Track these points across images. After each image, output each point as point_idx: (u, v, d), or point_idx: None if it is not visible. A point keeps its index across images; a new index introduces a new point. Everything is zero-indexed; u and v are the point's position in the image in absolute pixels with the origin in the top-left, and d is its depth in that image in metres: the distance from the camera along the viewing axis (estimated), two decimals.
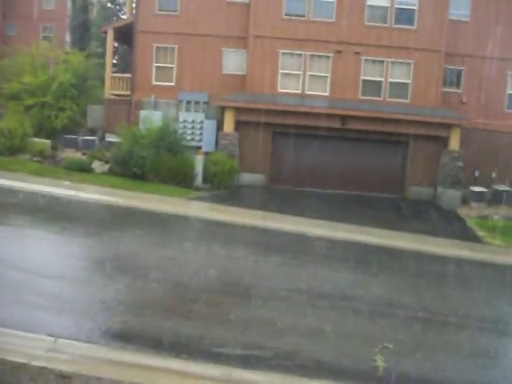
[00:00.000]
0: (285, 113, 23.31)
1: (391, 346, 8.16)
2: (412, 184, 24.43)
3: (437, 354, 8.59)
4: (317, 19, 24.47)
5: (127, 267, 11.47)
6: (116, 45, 34.47)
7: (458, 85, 25.53)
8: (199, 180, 22.32)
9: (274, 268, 12.90)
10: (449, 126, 23.96)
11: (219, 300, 10.14)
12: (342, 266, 13.71)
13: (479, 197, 24.12)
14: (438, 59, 24.44)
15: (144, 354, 7.42)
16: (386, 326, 9.51)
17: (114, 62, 34.71)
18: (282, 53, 24.65)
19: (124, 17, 34.53)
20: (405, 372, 7.72)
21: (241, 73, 25.14)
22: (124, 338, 7.95)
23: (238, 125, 24.01)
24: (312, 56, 24.68)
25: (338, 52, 24.35)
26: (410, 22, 24.49)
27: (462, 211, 22.68)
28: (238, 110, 23.94)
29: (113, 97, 27.13)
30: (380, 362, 7.55)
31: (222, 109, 24.29)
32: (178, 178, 21.91)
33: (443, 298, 12.09)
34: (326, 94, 24.68)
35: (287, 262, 13.63)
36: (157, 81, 25.82)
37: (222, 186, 22.40)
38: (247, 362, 7.52)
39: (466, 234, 19.73)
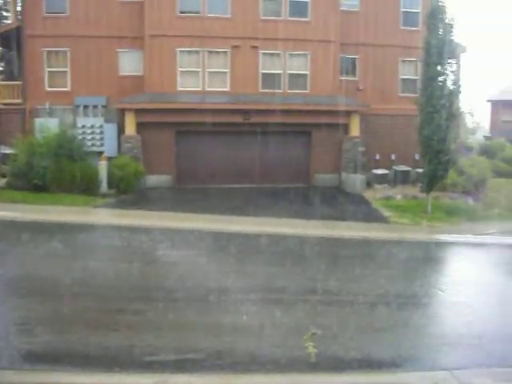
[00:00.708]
0: (186, 111, 23.07)
1: (320, 332, 8.27)
2: (318, 172, 24.99)
3: (362, 334, 8.76)
4: (212, 15, 24.39)
5: (37, 284, 10.87)
6: (1, 50, 32.66)
7: (353, 73, 26.37)
8: (104, 186, 21.65)
9: (193, 267, 12.68)
10: (348, 113, 24.67)
11: (141, 307, 9.79)
12: (258, 259, 13.73)
13: (382, 179, 25.09)
14: (334, 49, 25.10)
15: (73, 372, 7.02)
16: (310, 313, 9.58)
17: (0, 69, 32.84)
18: (180, 51, 24.37)
19: (8, 21, 32.71)
20: (335, 355, 7.83)
21: (139, 74, 24.62)
22: (49, 359, 7.49)
23: (140, 127, 23.51)
24: (210, 52, 24.58)
25: (236, 47, 24.41)
26: (304, 15, 24.96)
27: (367, 194, 23.44)
28: (138, 112, 23.42)
29: (2, 106, 25.70)
30: (311, 349, 7.62)
31: (122, 111, 23.68)
32: (83, 186, 21.14)
33: (361, 279, 12.35)
34: (227, 89, 24.69)
35: (204, 260, 13.44)
36: (50, 87, 24.76)
37: (128, 190, 21.86)
38: (182, 366, 7.31)
39: (373, 216, 20.40)
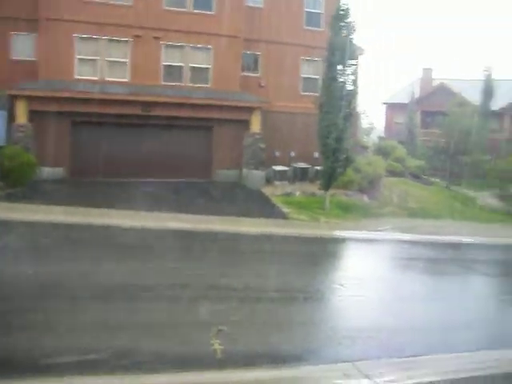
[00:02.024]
0: (83, 101, 22.01)
1: (225, 329, 8.13)
2: (219, 167, 24.86)
3: (267, 330, 8.73)
4: (114, 2, 23.44)
5: None
6: None
7: (256, 69, 26.47)
8: None
9: (86, 263, 12.08)
10: (250, 110, 24.74)
11: (38, 306, 9.12)
12: (154, 255, 13.33)
13: (281, 175, 25.42)
14: (237, 44, 25.05)
15: None
16: (215, 310, 9.42)
17: None
18: (78, 37, 23.23)
19: None
20: (241, 351, 7.77)
21: (33, 59, 23.21)
22: None
23: (33, 115, 22.15)
24: (110, 41, 23.66)
25: (137, 37, 23.68)
26: (209, 8, 24.67)
27: (267, 190, 23.63)
28: (31, 99, 22.05)
29: None
30: (217, 345, 7.48)
31: (13, 98, 22.20)
32: None
33: (263, 275, 12.38)
34: (127, 80, 23.89)
35: (99, 256, 12.86)
36: None
37: (19, 182, 20.49)
38: (84, 368, 6.88)
39: (272, 212, 20.58)
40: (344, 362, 7.64)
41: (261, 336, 8.52)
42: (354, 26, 21.04)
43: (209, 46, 24.78)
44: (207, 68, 24.93)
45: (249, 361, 7.41)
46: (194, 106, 23.45)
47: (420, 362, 7.99)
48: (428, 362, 8.02)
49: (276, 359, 7.57)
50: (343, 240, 18.76)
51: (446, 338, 9.30)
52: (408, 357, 8.11)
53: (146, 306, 9.40)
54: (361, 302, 11.12)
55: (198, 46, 24.69)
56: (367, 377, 7.07)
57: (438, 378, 7.20)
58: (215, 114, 24.02)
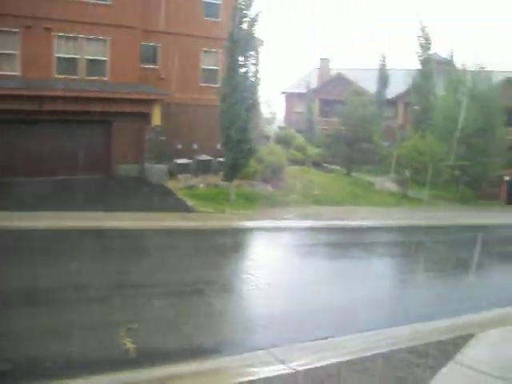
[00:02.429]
0: None
1: (136, 326, 7.93)
2: (120, 162, 24.19)
3: (181, 324, 8.63)
4: None
5: None
6: None
7: (155, 61, 25.97)
8: None
9: None
10: (150, 102, 24.26)
11: None
12: (56, 257, 12.75)
13: (184, 168, 25.21)
14: (135, 36, 24.41)
15: None
16: (124, 308, 9.18)
17: None
18: None
19: None
20: (156, 347, 7.67)
21: None
22: None
23: None
24: None
25: (28, 27, 22.46)
26: None
27: (171, 184, 23.37)
28: None
29: None
30: (129, 344, 7.29)
31: None
32: None
33: (172, 269, 12.24)
34: (17, 73, 22.63)
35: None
36: None
37: None
38: None
39: (177, 206, 20.39)
40: (260, 349, 7.71)
41: (175, 331, 8.42)
42: (255, 18, 21.18)
43: (105, 37, 23.96)
44: (104, 60, 24.12)
45: (166, 357, 7.29)
46: (90, 100, 22.61)
47: (331, 343, 8.24)
48: (338, 342, 8.28)
49: (193, 353, 7.51)
50: (250, 230, 18.95)
51: (352, 319, 9.65)
52: (319, 339, 8.32)
53: (39, 311, 8.95)
54: (272, 289, 11.29)
55: (94, 37, 23.81)
56: (282, 362, 7.19)
57: (348, 358, 7.45)
58: (114, 108, 23.30)
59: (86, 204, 18.31)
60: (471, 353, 7.54)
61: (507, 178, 33.03)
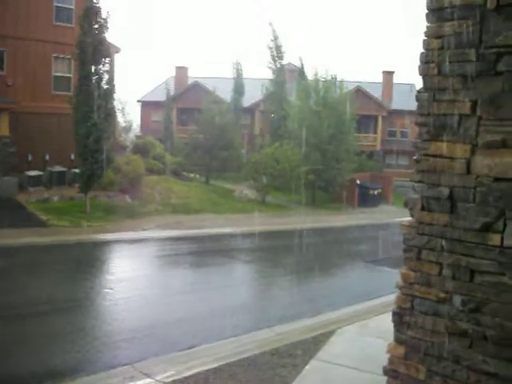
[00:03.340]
0: None
1: None
2: None
3: (38, 346, 8.09)
4: None
5: None
6: None
7: (1, 67, 24.23)
8: None
9: None
10: None
11: None
12: None
13: (36, 181, 23.86)
14: None
15: None
16: None
17: None
18: None
19: None
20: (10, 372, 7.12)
21: None
22: None
23: None
24: None
25: None
26: None
27: (22, 197, 22.02)
28: None
29: None
30: None
31: None
32: None
33: (27, 288, 11.48)
34: None
35: None
36: None
37: None
38: None
39: (29, 221, 19.29)
40: (123, 365, 7.48)
41: (32, 353, 7.90)
42: (106, 24, 20.63)
43: None
44: None
45: (22, 382, 6.82)
46: None
47: (197, 352, 8.20)
48: (204, 350, 8.27)
49: (52, 375, 7.09)
50: (108, 243, 18.38)
51: (217, 326, 9.71)
52: (185, 349, 8.26)
53: None
54: (133, 302, 11.03)
55: None
56: (148, 376, 7.03)
57: (215, 365, 7.47)
58: None
59: None
60: (332, 349, 7.90)
61: (358, 182, 35.26)
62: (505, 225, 2.67)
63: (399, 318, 3.13)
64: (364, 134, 44.68)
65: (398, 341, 3.14)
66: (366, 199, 35.26)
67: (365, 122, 43.88)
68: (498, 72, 2.68)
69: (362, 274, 16.08)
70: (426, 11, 2.91)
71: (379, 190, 36.52)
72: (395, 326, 3.16)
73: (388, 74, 49.50)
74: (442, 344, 2.91)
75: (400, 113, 45.16)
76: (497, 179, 2.69)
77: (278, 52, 40.43)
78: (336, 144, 33.18)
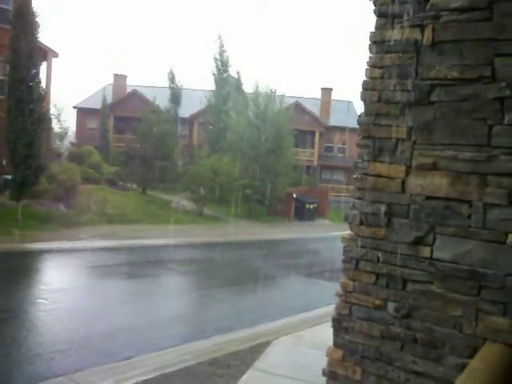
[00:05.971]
0: None
1: None
2: None
3: None
4: None
5: None
6: None
7: None
8: None
9: None
10: None
11: None
12: None
13: None
14: None
15: None
16: None
17: None
18: None
19: None
20: None
21: None
22: None
23: None
24: None
25: None
26: None
27: None
28: None
29: None
30: None
31: None
32: None
33: None
34: None
35: None
36: None
37: None
38: None
39: None
40: (58, 376, 7.39)
41: None
42: (38, 26, 20.19)
43: None
44: None
45: None
46: None
47: (134, 362, 8.20)
48: (141, 361, 8.28)
49: None
50: (41, 253, 17.91)
51: (155, 337, 9.71)
52: (122, 360, 8.24)
53: None
54: (68, 313, 10.85)
55: None
56: None
57: (152, 375, 7.51)
58: None
59: None
60: (268, 359, 8.09)
61: (295, 195, 35.87)
62: (434, 238, 2.97)
63: (338, 324, 3.37)
64: (302, 149, 45.54)
65: (337, 345, 3.37)
66: (302, 213, 35.91)
67: (303, 137, 44.78)
68: (431, 102, 2.98)
69: (297, 286, 16.40)
70: (369, 43, 3.19)
71: (315, 205, 37.25)
72: (334, 331, 3.39)
73: (326, 91, 50.69)
74: (376, 347, 3.18)
75: (337, 129, 46.42)
76: (428, 197, 2.99)
77: (222, 65, 40.87)
78: (274, 157, 33.70)
